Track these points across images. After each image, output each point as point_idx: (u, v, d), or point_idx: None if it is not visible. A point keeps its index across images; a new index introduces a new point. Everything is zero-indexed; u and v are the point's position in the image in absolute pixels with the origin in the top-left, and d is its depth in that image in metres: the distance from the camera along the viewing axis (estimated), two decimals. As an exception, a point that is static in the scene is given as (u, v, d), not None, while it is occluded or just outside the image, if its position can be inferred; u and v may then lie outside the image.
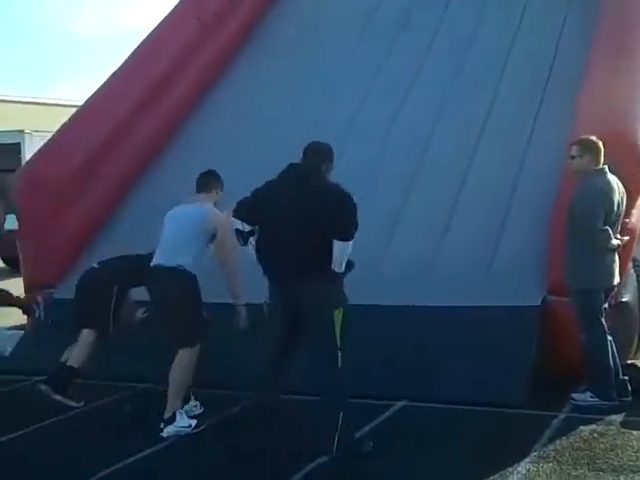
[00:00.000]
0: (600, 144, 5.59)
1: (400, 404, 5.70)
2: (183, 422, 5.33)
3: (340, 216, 4.87)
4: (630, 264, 6.09)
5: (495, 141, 7.36)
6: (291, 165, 5.09)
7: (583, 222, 5.44)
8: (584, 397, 5.50)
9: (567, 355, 5.70)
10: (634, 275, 6.16)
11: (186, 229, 5.60)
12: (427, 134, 7.74)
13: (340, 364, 4.90)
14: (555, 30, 8.35)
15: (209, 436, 5.33)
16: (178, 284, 5.41)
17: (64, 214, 7.82)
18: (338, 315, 4.91)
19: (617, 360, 5.51)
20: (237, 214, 5.15)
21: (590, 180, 5.53)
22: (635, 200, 6.00)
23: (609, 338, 5.48)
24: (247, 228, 5.10)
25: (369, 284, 6.42)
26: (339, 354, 4.90)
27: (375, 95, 8.47)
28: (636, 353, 6.34)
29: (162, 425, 5.30)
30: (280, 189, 5.04)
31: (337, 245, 4.85)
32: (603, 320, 5.49)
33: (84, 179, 8.00)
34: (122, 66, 9.04)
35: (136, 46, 9.31)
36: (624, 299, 5.91)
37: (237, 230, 5.15)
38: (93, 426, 5.71)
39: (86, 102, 8.85)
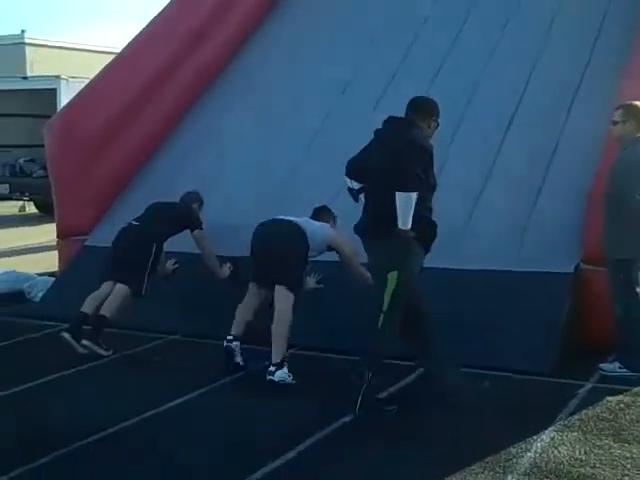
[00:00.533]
0: None
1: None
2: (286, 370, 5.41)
3: (401, 165, 4.74)
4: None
5: (535, 108, 7.22)
6: (387, 119, 5.07)
7: (622, 192, 5.33)
8: (612, 367, 5.44)
9: (598, 324, 5.66)
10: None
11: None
12: (463, 103, 7.60)
13: (382, 326, 4.85)
14: (599, 12, 8.04)
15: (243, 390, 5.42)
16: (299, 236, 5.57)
17: (96, 163, 7.86)
18: (393, 277, 4.80)
19: None
20: (347, 173, 5.17)
21: (631, 148, 5.41)
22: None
23: None
24: (356, 186, 5.10)
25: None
26: (382, 316, 4.84)
27: (404, 74, 8.30)
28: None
29: (272, 369, 5.36)
30: (375, 144, 5.04)
31: (396, 197, 4.72)
32: (639, 291, 5.40)
33: (117, 129, 8.01)
34: (159, 15, 8.95)
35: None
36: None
37: (349, 189, 5.18)
38: (122, 374, 5.79)
39: (123, 50, 8.81)
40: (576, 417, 4.78)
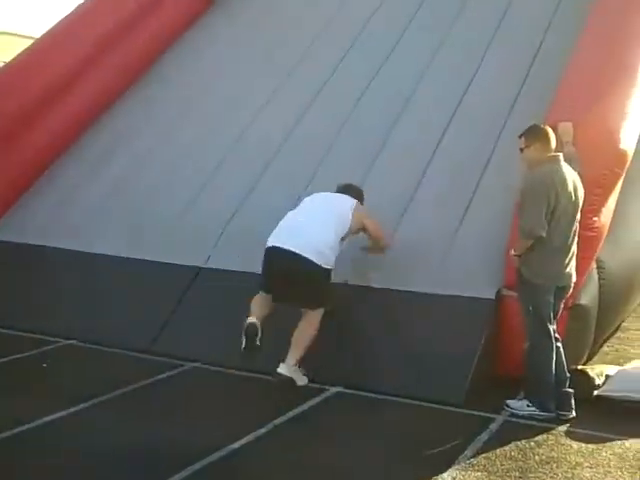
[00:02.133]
0: (549, 131, 5.19)
1: (334, 390, 5.38)
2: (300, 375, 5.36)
3: None
4: (593, 265, 5.73)
5: (465, 131, 6.91)
6: None
7: (522, 217, 5.08)
8: (520, 405, 5.12)
9: (520, 354, 5.36)
10: (596, 278, 5.78)
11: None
12: (397, 112, 7.29)
13: None
14: (543, 22, 7.84)
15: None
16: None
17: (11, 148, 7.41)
18: None
19: (565, 370, 5.15)
20: None
21: (538, 170, 5.13)
22: (605, 198, 5.64)
23: (558, 345, 5.12)
24: None
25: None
26: None
27: (348, 66, 8.02)
28: (588, 360, 6.04)
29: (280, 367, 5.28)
30: None
31: None
32: (551, 327, 5.11)
33: (35, 114, 7.55)
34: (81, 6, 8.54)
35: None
36: (581, 302, 5.55)
37: None
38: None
39: (45, 34, 8.35)
40: (483, 455, 4.48)
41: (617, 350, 6.66)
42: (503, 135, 6.71)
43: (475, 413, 5.07)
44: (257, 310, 5.39)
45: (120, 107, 8.34)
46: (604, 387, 5.39)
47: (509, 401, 5.17)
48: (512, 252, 5.19)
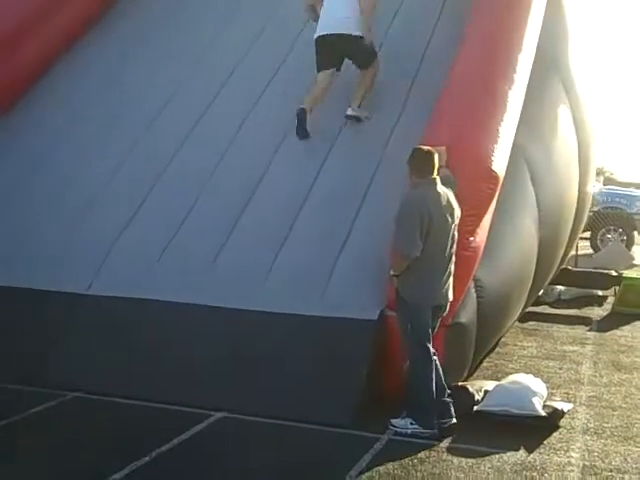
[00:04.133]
0: (431, 153, 5.35)
1: (219, 415, 5.32)
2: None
3: None
4: (471, 284, 5.90)
5: (344, 159, 7.00)
6: None
7: (395, 238, 5.23)
8: (404, 423, 5.21)
9: (402, 373, 5.44)
10: (474, 296, 5.96)
11: None
12: (280, 134, 7.32)
13: None
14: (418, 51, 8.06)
15: None
16: None
17: None
18: None
19: (442, 380, 5.26)
20: None
21: (413, 191, 5.31)
22: (480, 218, 5.83)
23: (435, 359, 5.24)
24: None
25: (202, 285, 6.08)
26: None
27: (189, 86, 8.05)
28: (469, 376, 6.21)
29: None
30: None
31: None
32: (429, 344, 5.23)
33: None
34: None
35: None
36: (460, 320, 5.70)
37: None
38: None
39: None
40: (366, 474, 4.52)
41: (496, 365, 6.87)
42: (382, 162, 6.83)
43: (361, 434, 5.12)
44: (309, 101, 7.09)
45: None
46: (483, 402, 5.54)
47: (393, 420, 5.24)
48: (391, 272, 5.30)
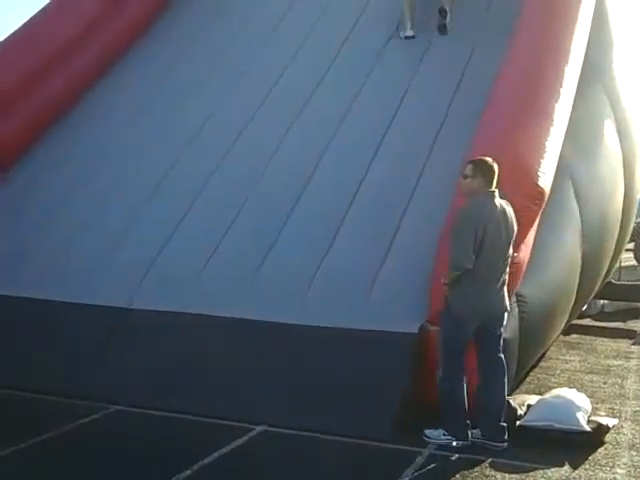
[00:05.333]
0: (494, 167, 5.33)
1: (260, 429, 5.34)
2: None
3: None
4: (513, 299, 5.86)
5: (389, 166, 7.04)
6: None
7: (451, 248, 5.21)
8: (437, 434, 5.21)
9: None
10: (517, 311, 5.91)
11: None
12: (325, 141, 7.39)
13: None
14: (465, 53, 8.10)
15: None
16: None
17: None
18: None
19: (503, 403, 5.24)
20: None
21: (471, 203, 5.28)
22: (525, 234, 5.79)
23: (505, 381, 5.22)
24: None
25: (245, 298, 6.12)
26: None
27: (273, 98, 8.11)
28: (513, 390, 6.14)
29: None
30: None
31: None
32: (463, 357, 5.20)
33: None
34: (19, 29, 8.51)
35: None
36: (503, 335, 5.64)
37: None
38: None
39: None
40: (409, 489, 4.51)
41: (539, 379, 6.80)
42: (425, 170, 6.85)
43: (402, 447, 5.09)
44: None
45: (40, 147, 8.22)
46: (526, 417, 5.48)
47: (427, 430, 5.24)
48: (442, 280, 5.30)
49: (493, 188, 5.31)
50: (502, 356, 5.25)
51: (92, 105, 8.56)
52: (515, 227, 5.35)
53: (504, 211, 5.29)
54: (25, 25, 8.66)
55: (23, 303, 6.46)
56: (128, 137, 8.06)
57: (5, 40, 8.46)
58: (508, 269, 5.31)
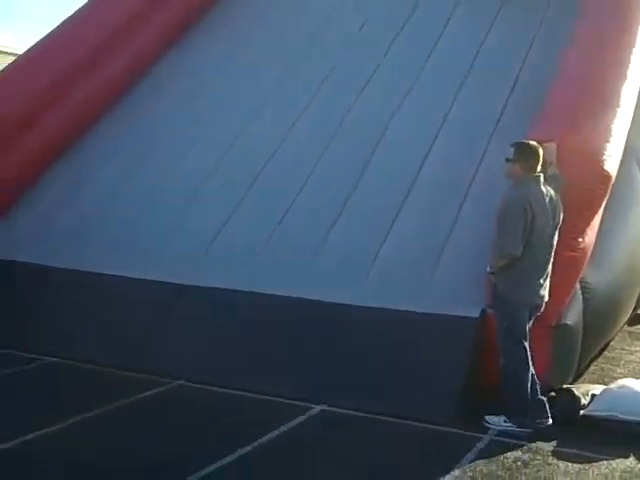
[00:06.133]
0: (539, 150, 5.23)
1: (318, 408, 5.34)
2: None
3: None
4: (577, 285, 5.74)
5: (449, 150, 6.95)
6: None
7: (498, 235, 5.13)
8: (498, 420, 5.14)
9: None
10: (581, 298, 5.79)
11: None
12: (383, 126, 7.34)
13: None
14: (528, 35, 7.94)
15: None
16: None
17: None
18: None
19: (535, 379, 5.15)
20: None
21: (516, 189, 5.19)
22: (590, 218, 5.67)
23: (529, 361, 5.12)
24: None
25: (305, 278, 6.12)
26: None
27: (332, 85, 8.07)
28: (576, 379, 6.04)
29: None
30: None
31: None
32: (526, 343, 5.12)
33: (17, 129, 7.51)
34: (65, 24, 8.53)
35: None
36: (567, 322, 5.56)
37: None
38: None
39: (22, 55, 8.37)
40: (469, 474, 4.45)
41: (602, 369, 6.66)
42: (486, 155, 6.76)
43: (462, 432, 5.05)
44: None
45: (100, 128, 8.31)
46: (590, 407, 5.38)
47: (488, 417, 5.19)
48: (487, 269, 5.22)
49: (538, 172, 5.20)
50: (526, 344, 5.14)
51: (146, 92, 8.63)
52: (562, 214, 5.24)
53: (551, 197, 5.20)
54: (80, 12, 8.72)
55: (91, 277, 6.55)
56: (185, 120, 8.09)
57: (71, 21, 8.54)
58: (552, 259, 5.20)
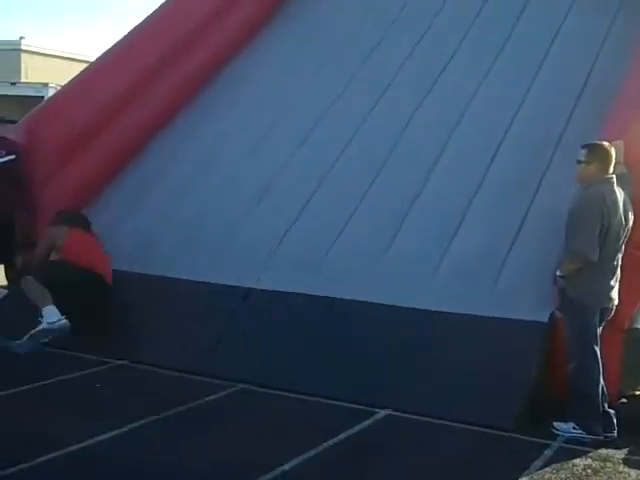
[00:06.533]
0: (611, 150, 5.12)
1: (383, 412, 5.31)
2: None
3: None
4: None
5: (517, 150, 6.83)
6: None
7: (573, 238, 5.01)
8: (567, 427, 5.03)
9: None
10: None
11: None
12: (448, 133, 7.24)
13: None
14: (598, 37, 7.76)
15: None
16: None
17: (62, 173, 7.51)
18: None
19: (604, 391, 5.04)
20: None
21: (591, 190, 5.07)
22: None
23: (600, 366, 5.01)
24: None
25: (366, 279, 6.11)
26: None
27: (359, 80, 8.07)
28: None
29: None
30: None
31: None
32: (597, 348, 5.01)
33: (83, 141, 7.66)
34: (140, 26, 8.64)
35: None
36: (638, 326, 5.43)
37: None
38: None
39: (95, 60, 8.54)
40: (537, 482, 4.37)
41: (675, 375, 6.46)
42: (556, 154, 6.63)
43: (530, 439, 4.96)
44: None
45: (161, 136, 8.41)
46: (663, 413, 5.24)
47: (556, 423, 5.09)
48: (557, 273, 5.12)
49: (610, 174, 5.08)
50: (597, 349, 5.01)
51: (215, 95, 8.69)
52: (632, 216, 5.11)
53: (623, 198, 5.08)
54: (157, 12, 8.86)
55: (157, 281, 6.65)
56: (252, 122, 8.14)
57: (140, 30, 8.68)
58: (620, 262, 5.08)
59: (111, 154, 7.88)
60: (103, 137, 7.78)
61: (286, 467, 4.41)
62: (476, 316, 5.61)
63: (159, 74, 8.27)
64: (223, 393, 5.62)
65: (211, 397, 5.53)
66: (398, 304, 5.81)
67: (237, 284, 6.46)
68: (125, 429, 4.86)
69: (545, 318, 5.44)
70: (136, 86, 8.12)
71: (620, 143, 5.48)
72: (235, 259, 6.72)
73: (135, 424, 4.95)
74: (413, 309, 5.77)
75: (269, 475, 4.30)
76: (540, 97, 7.29)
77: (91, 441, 4.66)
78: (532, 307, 5.51)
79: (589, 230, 4.93)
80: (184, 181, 7.68)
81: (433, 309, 5.74)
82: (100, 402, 5.40)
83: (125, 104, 7.98)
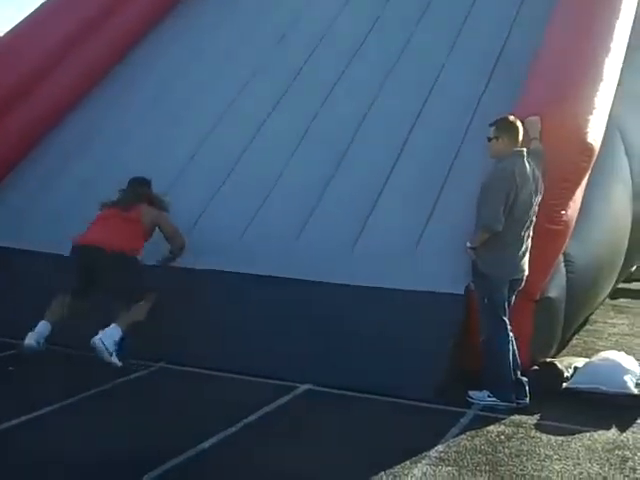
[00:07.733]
0: (519, 125, 5.24)
1: (304, 387, 5.36)
2: None
3: None
4: (561, 258, 5.76)
5: (431, 130, 6.89)
6: None
7: (480, 212, 5.13)
8: (482, 395, 5.18)
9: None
10: (564, 271, 5.81)
11: None
12: (364, 113, 7.25)
13: None
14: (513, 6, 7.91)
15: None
16: None
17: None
18: None
19: (516, 359, 5.19)
20: None
21: (501, 164, 5.18)
22: (572, 191, 5.66)
23: (510, 336, 5.16)
24: None
25: (290, 257, 6.10)
26: None
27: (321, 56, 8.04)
28: (559, 352, 6.08)
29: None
30: None
31: None
32: (505, 318, 5.15)
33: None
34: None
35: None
36: (549, 295, 5.58)
37: None
38: None
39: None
40: (453, 449, 4.47)
41: (585, 342, 6.72)
42: (468, 135, 6.71)
43: (446, 408, 5.08)
44: None
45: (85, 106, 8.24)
46: (573, 379, 5.43)
47: (471, 392, 5.22)
48: (467, 244, 5.24)
49: (519, 147, 5.20)
50: (506, 319, 5.16)
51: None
52: (542, 189, 5.24)
53: (534, 171, 5.20)
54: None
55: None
56: (162, 107, 8.00)
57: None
58: (532, 233, 5.22)
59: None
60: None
61: (206, 445, 4.40)
62: (395, 290, 5.67)
63: (62, 59, 8.10)
64: (144, 372, 5.56)
65: (132, 376, 5.47)
66: (315, 279, 5.83)
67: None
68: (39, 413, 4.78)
69: (462, 290, 5.54)
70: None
71: (536, 119, 5.60)
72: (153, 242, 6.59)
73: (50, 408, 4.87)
74: (331, 284, 5.80)
75: (191, 452, 4.28)
76: (452, 78, 7.36)
77: (6, 425, 4.57)
78: (451, 280, 5.60)
79: (495, 201, 5.05)
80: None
81: (350, 284, 5.77)
82: (14, 386, 5.29)
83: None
